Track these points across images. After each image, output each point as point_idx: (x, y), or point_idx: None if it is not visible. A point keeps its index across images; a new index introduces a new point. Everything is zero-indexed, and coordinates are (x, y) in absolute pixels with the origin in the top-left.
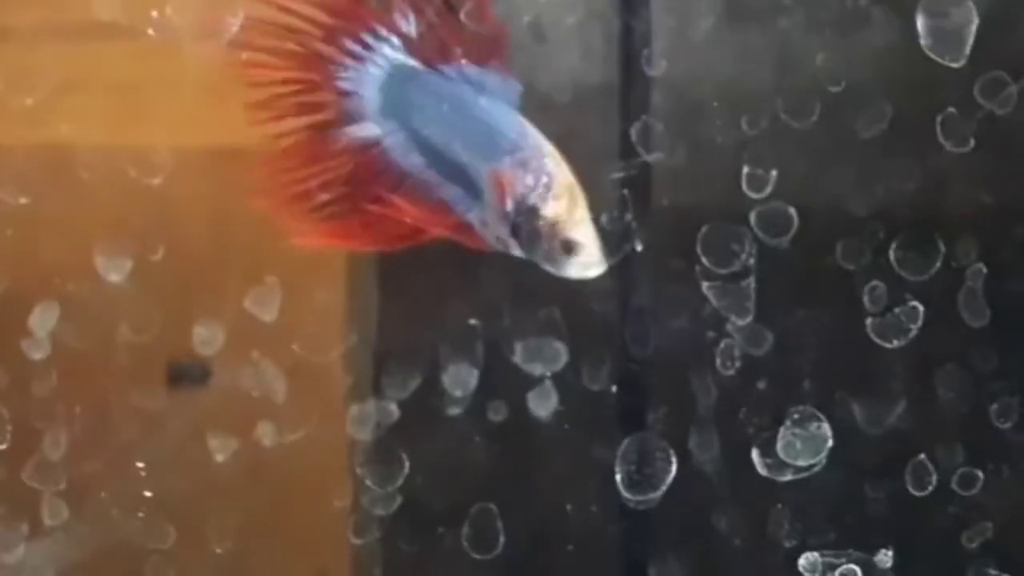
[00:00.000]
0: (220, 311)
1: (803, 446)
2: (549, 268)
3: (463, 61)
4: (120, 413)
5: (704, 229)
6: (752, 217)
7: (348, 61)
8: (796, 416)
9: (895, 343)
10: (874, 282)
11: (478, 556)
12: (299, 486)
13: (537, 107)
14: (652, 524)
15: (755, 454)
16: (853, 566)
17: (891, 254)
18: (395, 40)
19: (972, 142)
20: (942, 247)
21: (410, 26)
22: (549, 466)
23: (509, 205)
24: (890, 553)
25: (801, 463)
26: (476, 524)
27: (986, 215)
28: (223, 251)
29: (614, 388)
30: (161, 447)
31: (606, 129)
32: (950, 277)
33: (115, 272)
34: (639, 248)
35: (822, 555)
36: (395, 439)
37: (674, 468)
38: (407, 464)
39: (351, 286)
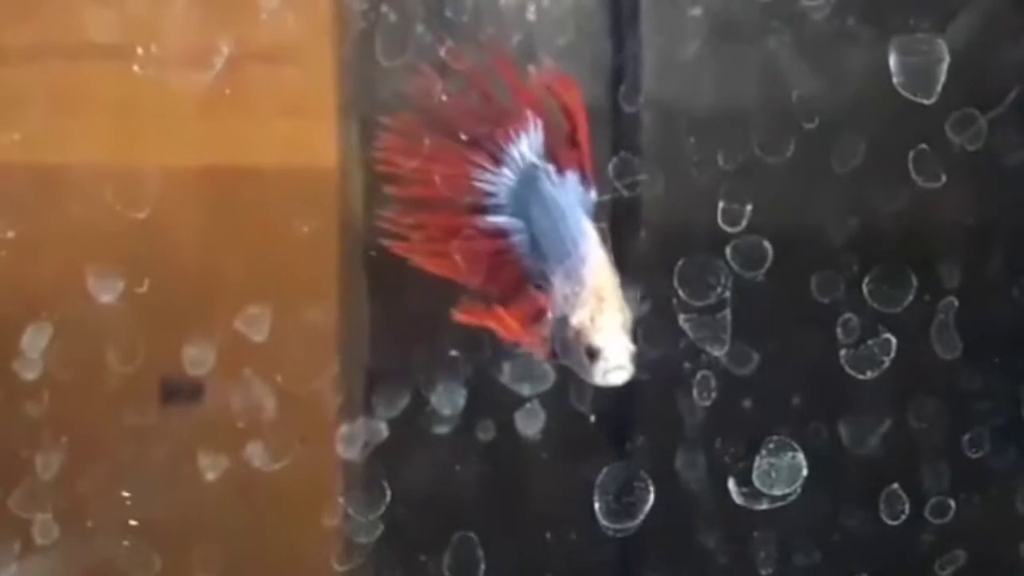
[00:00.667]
0: (211, 331)
1: (778, 475)
2: (583, 377)
3: (562, 167)
4: (112, 433)
5: (680, 262)
6: (728, 250)
7: (488, 164)
8: (771, 446)
9: (868, 374)
10: (847, 314)
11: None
12: (288, 506)
13: None
14: (633, 551)
15: (731, 483)
16: None
17: (864, 287)
18: (526, 142)
19: (944, 177)
20: (915, 280)
21: (537, 131)
22: (532, 491)
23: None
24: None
25: (776, 492)
26: (458, 553)
27: (958, 249)
28: (214, 271)
29: (592, 418)
30: (152, 466)
31: (600, 142)
32: (923, 310)
33: (107, 293)
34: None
35: None
36: (382, 460)
37: (652, 497)
38: (389, 493)
39: (342, 306)
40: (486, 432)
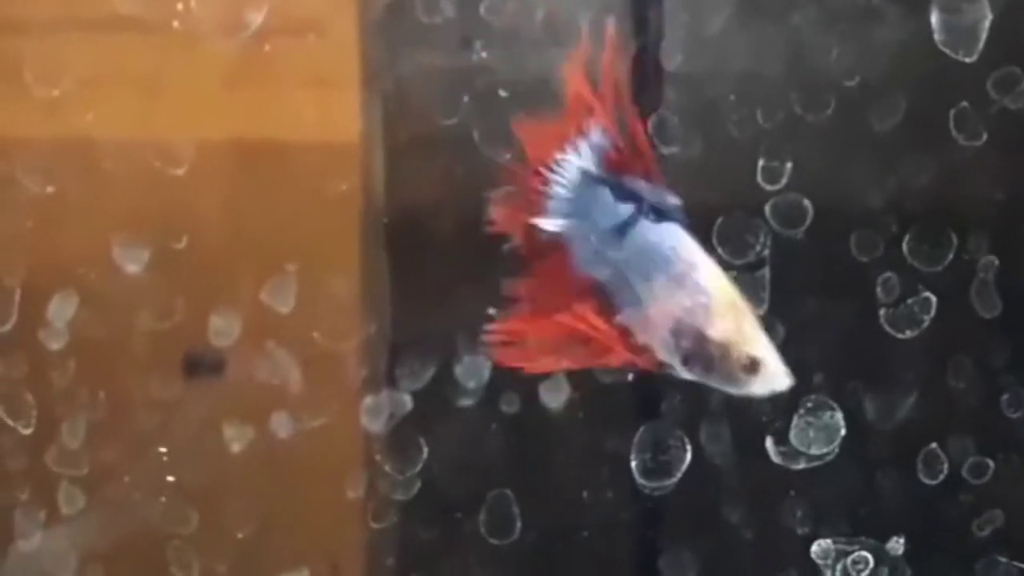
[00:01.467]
0: (236, 302)
1: (816, 435)
2: (730, 389)
3: (639, 174)
4: (137, 402)
5: (719, 220)
6: (767, 209)
7: (568, 146)
8: (809, 405)
9: (908, 334)
10: (887, 273)
11: (495, 542)
12: (313, 477)
13: (550, 105)
14: (666, 511)
15: (769, 442)
16: (865, 553)
17: (904, 246)
18: (590, 146)
19: (985, 136)
20: (955, 239)
21: (605, 137)
22: (565, 453)
23: (669, 333)
24: (902, 540)
25: (814, 451)
26: (493, 510)
27: (999, 208)
28: (240, 243)
29: (630, 376)
30: (177, 437)
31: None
32: (962, 269)
33: (133, 263)
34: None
35: (834, 543)
36: (410, 428)
37: (689, 455)
38: (425, 450)
39: (366, 277)
40: (511, 405)
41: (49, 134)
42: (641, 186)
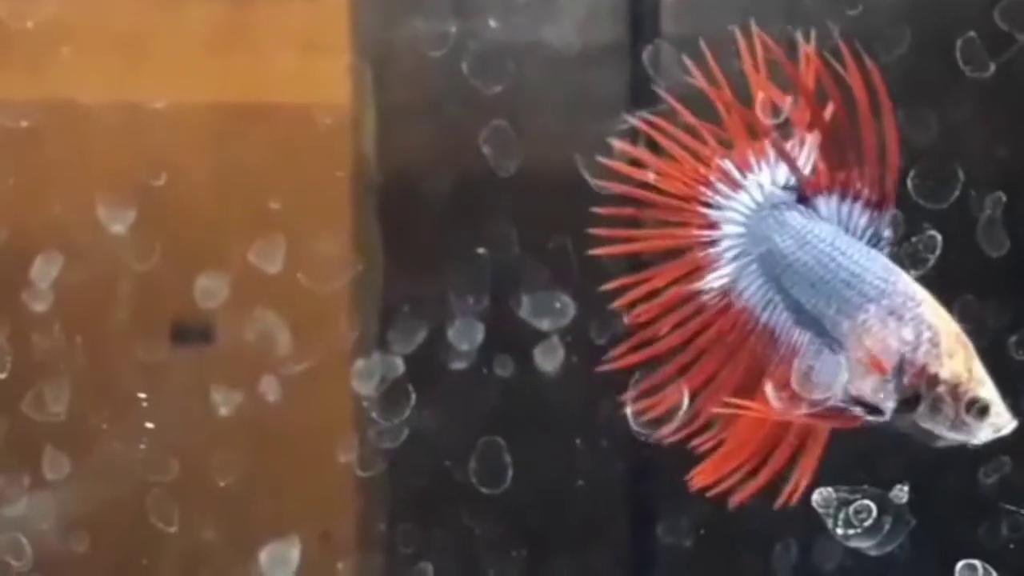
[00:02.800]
0: (224, 265)
1: (818, 379)
2: (951, 435)
3: (843, 195)
4: (123, 365)
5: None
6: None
7: (723, 183)
8: (812, 348)
9: (913, 272)
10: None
11: (486, 491)
12: (303, 442)
13: (545, 63)
14: (662, 460)
15: (768, 387)
16: (868, 502)
17: (909, 182)
18: (771, 167)
19: (992, 67)
20: (961, 175)
21: (801, 153)
22: (561, 398)
23: (890, 373)
24: (906, 488)
25: (817, 396)
26: (484, 458)
27: (1006, 143)
28: (227, 205)
29: (625, 318)
30: (164, 401)
31: (616, 84)
32: (969, 206)
33: (118, 223)
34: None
35: (836, 491)
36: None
37: (686, 402)
38: (414, 397)
39: (357, 240)
40: (504, 368)
41: (33, 95)
42: (844, 207)
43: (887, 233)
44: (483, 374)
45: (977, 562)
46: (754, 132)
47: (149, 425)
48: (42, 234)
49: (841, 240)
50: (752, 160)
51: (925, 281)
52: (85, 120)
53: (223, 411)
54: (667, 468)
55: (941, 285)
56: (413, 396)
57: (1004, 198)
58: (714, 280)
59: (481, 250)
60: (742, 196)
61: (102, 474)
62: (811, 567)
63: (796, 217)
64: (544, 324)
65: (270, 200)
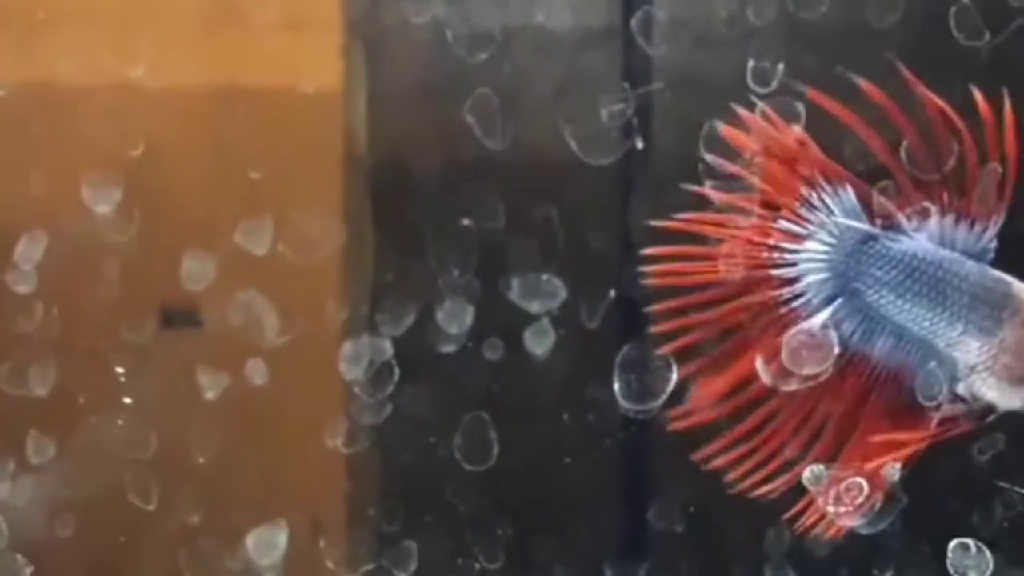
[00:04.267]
0: (212, 246)
1: (809, 354)
2: None
3: (938, 214)
4: (111, 349)
5: (707, 125)
6: (757, 112)
7: (787, 242)
8: (803, 325)
9: None
10: (884, 182)
11: (471, 467)
12: (291, 426)
13: (538, 45)
14: (651, 435)
15: (759, 363)
16: (859, 479)
17: (902, 151)
18: (840, 206)
19: (987, 35)
20: (955, 145)
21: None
22: (548, 374)
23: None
24: (898, 466)
25: (807, 372)
26: (469, 434)
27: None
28: (216, 186)
29: (612, 293)
30: (151, 386)
31: (609, 67)
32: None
33: (104, 203)
34: (640, 146)
35: (827, 468)
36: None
37: (674, 376)
38: (397, 372)
39: (347, 220)
40: (494, 351)
41: (19, 76)
42: (942, 227)
43: (991, 243)
44: (472, 354)
45: (970, 541)
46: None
47: (127, 400)
48: (27, 215)
49: (949, 260)
50: (806, 210)
51: None
52: (71, 100)
53: (210, 394)
54: (659, 441)
55: None
56: (397, 373)
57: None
58: (805, 329)
59: (466, 221)
60: (811, 244)
61: (88, 457)
62: (803, 550)
63: (889, 245)
64: (534, 306)
65: (260, 181)
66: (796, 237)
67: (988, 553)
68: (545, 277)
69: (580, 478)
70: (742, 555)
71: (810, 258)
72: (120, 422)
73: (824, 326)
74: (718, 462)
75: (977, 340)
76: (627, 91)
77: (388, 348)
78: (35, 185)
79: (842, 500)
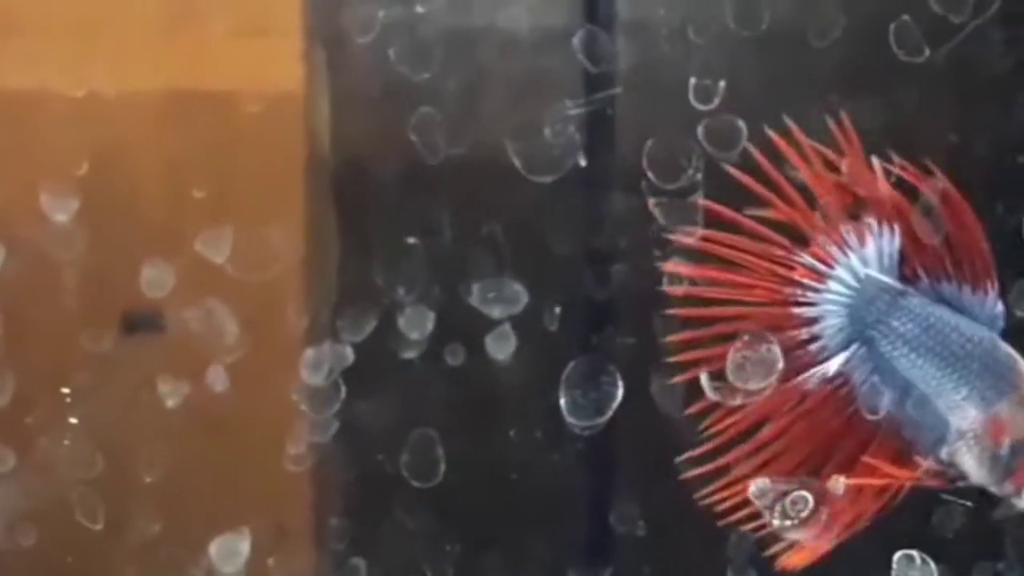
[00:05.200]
0: (173, 254)
1: (752, 369)
2: None
3: (946, 278)
4: (72, 358)
5: (649, 143)
6: (700, 130)
7: (810, 279)
8: (746, 338)
9: None
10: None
11: (418, 484)
12: (253, 433)
13: (499, 46)
14: (596, 451)
15: (703, 378)
16: (804, 493)
17: (843, 166)
18: (868, 250)
19: (927, 51)
20: (894, 158)
21: (891, 238)
22: (496, 391)
23: (1004, 448)
24: (842, 479)
25: (752, 386)
26: (416, 451)
27: (938, 126)
28: (175, 195)
29: (557, 310)
30: (111, 395)
31: (566, 69)
32: (904, 190)
33: (61, 212)
34: (583, 163)
35: (772, 482)
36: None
37: (620, 392)
38: (343, 389)
39: (309, 227)
40: (455, 356)
41: None
42: (951, 290)
43: (1000, 311)
44: (434, 363)
45: (915, 552)
46: (830, 220)
47: (74, 421)
48: None
49: (964, 325)
50: (834, 250)
51: None
52: (26, 108)
53: (171, 402)
54: (604, 457)
55: None
56: (344, 388)
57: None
58: (820, 373)
59: (412, 239)
60: (834, 286)
61: (47, 467)
62: (764, 557)
63: (909, 300)
64: (496, 312)
65: (222, 187)
66: (819, 275)
67: (932, 564)
68: (506, 282)
69: (549, 485)
70: (706, 562)
71: (832, 299)
72: (82, 432)
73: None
74: (717, 496)
75: (975, 408)
76: (582, 99)
77: (349, 355)
78: None
79: (787, 514)
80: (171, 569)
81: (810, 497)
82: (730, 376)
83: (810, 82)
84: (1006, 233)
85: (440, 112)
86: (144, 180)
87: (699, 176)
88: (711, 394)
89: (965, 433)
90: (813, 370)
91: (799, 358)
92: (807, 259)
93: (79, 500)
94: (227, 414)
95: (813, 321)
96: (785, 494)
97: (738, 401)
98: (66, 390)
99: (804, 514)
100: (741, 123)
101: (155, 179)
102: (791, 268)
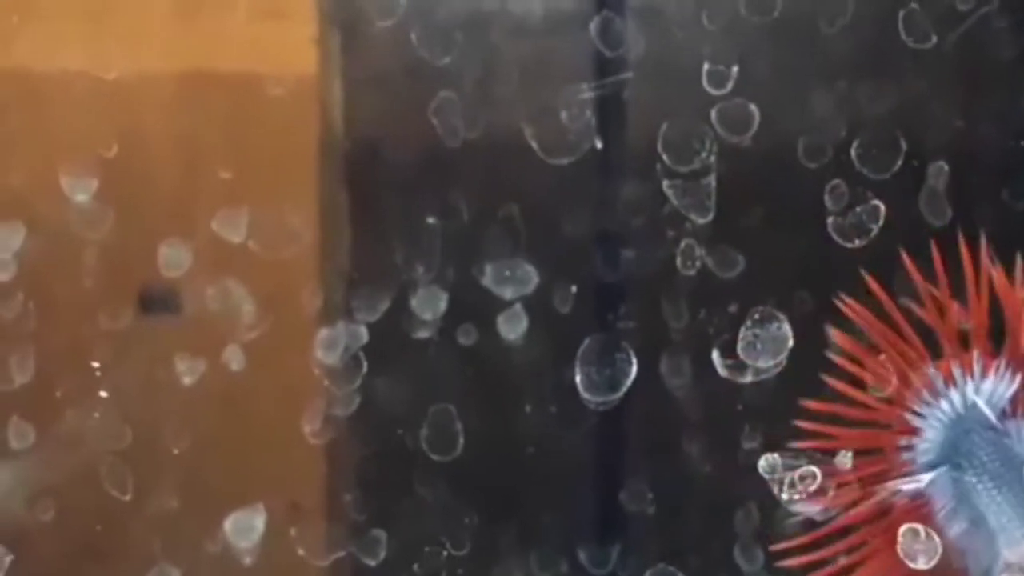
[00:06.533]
0: (189, 238)
1: (763, 347)
2: None
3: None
4: (90, 337)
5: (664, 127)
6: (713, 114)
7: (929, 392)
8: (756, 316)
9: (856, 242)
10: (835, 180)
11: (437, 458)
12: (268, 411)
13: (513, 31)
14: (610, 427)
15: (715, 355)
16: (813, 468)
17: (852, 151)
18: (985, 383)
19: (934, 38)
20: (904, 144)
21: (1010, 382)
22: (512, 366)
23: None
24: (850, 455)
25: (762, 364)
26: (436, 426)
27: (948, 112)
28: (191, 176)
29: (573, 288)
30: (129, 373)
31: (580, 53)
32: (912, 175)
33: (81, 192)
34: (599, 146)
35: (782, 457)
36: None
37: (634, 369)
38: (365, 364)
39: (323, 209)
40: (467, 336)
41: None
42: None
43: None
44: (447, 343)
45: (919, 526)
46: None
47: (104, 395)
48: (3, 205)
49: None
50: (956, 372)
51: (866, 250)
52: (45, 90)
53: (187, 380)
54: (618, 433)
55: (884, 255)
56: (365, 364)
57: (946, 168)
58: (907, 484)
59: (431, 220)
60: (943, 405)
61: (68, 443)
62: (773, 533)
63: (1002, 439)
64: (508, 292)
65: (236, 169)
66: (936, 393)
67: (937, 539)
68: (519, 263)
69: (560, 466)
70: (714, 537)
71: (938, 418)
72: (101, 409)
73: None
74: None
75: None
76: (594, 83)
77: (364, 334)
78: (12, 175)
79: (796, 488)
80: (187, 545)
81: (818, 472)
82: (741, 354)
83: (819, 68)
84: (1012, 217)
85: (454, 95)
86: (161, 161)
87: (712, 159)
88: (723, 372)
89: (1012, 566)
90: (903, 480)
91: (893, 462)
92: (934, 372)
93: (99, 475)
94: (243, 392)
95: (914, 432)
96: (794, 468)
97: (748, 379)
98: (96, 364)
99: (812, 489)
100: (753, 107)
101: (172, 160)
102: (919, 375)
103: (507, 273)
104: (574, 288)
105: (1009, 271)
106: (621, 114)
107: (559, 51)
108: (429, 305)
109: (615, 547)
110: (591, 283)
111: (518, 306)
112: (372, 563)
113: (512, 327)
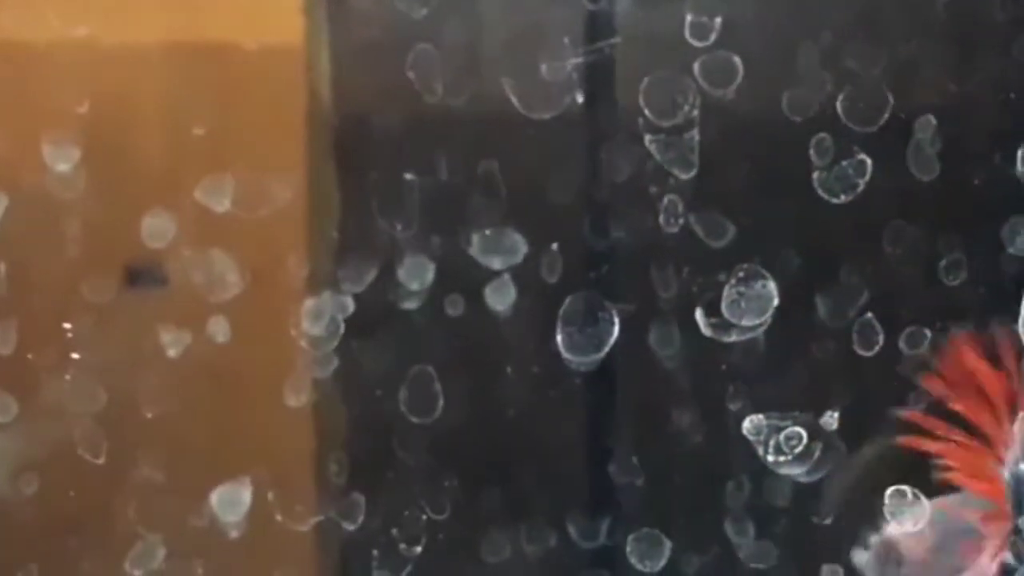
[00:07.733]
0: (174, 206)
1: (748, 305)
2: None
3: None
4: (75, 308)
5: (646, 80)
6: (696, 67)
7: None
8: (741, 274)
9: (842, 197)
10: (821, 134)
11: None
12: (254, 383)
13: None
14: (593, 388)
15: (698, 314)
16: (798, 429)
17: (838, 105)
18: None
19: None
20: (890, 98)
21: None
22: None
23: None
24: (836, 415)
25: (746, 323)
26: (415, 387)
27: (935, 65)
28: (178, 147)
29: (555, 246)
30: (114, 345)
31: (570, 13)
32: (898, 129)
33: (62, 162)
34: (580, 100)
35: (767, 418)
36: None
37: (616, 329)
38: (342, 326)
39: (310, 178)
40: (455, 306)
41: None
42: None
43: None
44: (435, 309)
45: (906, 488)
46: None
47: (78, 360)
48: None
49: None
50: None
51: (853, 205)
52: (29, 60)
53: (173, 352)
54: (600, 393)
55: (871, 210)
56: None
57: (934, 121)
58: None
59: (409, 176)
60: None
61: (52, 416)
62: (763, 504)
63: None
64: (495, 263)
65: (222, 140)
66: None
67: (925, 500)
68: (507, 232)
69: (551, 433)
70: (705, 508)
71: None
72: (86, 381)
73: None
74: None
75: None
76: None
77: (350, 305)
78: None
79: (782, 449)
80: (173, 518)
81: (804, 433)
82: (725, 312)
83: (810, 25)
84: (1003, 179)
85: (442, 63)
86: (147, 132)
87: (695, 113)
88: (706, 331)
89: None
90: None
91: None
92: (1018, 427)
93: (83, 448)
94: (228, 363)
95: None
96: (779, 430)
97: (732, 337)
98: (67, 325)
99: (798, 450)
100: (737, 59)
101: (158, 131)
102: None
103: (495, 242)
104: (559, 253)
105: None
106: (607, 78)
107: (548, 18)
108: (416, 274)
109: (604, 516)
110: (580, 250)
111: (505, 276)
112: (357, 532)
113: (500, 296)
